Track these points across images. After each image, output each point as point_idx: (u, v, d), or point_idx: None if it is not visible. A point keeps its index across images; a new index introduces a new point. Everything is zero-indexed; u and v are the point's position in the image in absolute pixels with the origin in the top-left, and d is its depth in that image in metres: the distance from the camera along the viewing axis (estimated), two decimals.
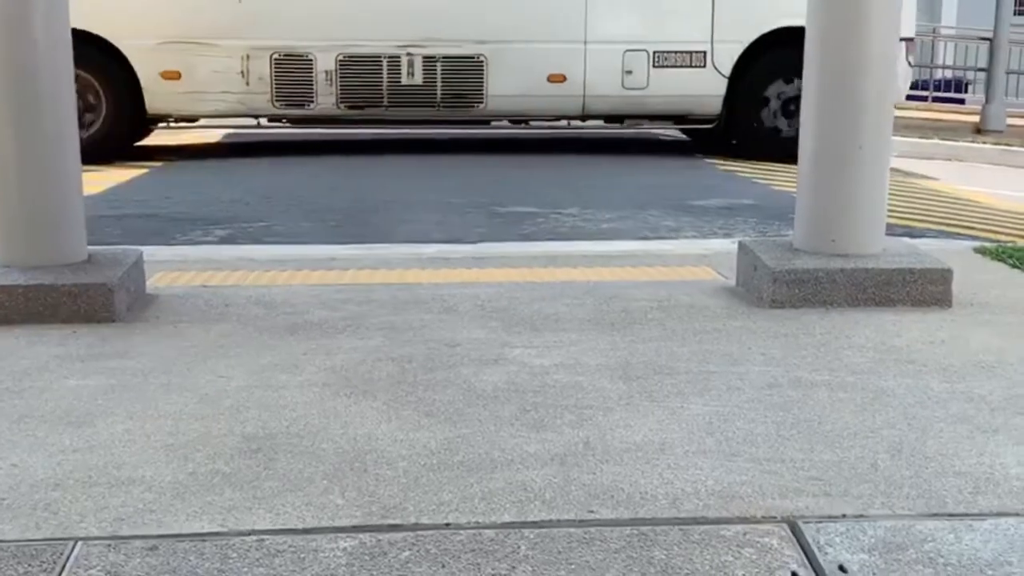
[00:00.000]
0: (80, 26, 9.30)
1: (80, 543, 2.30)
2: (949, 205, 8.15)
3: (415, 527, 2.38)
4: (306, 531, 2.36)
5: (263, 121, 10.55)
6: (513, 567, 2.22)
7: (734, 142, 10.62)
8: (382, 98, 10.04)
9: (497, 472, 2.67)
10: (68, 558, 2.24)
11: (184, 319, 4.09)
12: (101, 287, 4.02)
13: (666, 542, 2.31)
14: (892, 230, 5.58)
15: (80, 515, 2.43)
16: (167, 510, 2.45)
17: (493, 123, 11.12)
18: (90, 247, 4.36)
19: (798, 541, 2.31)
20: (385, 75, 10.04)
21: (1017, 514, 2.45)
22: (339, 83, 10.00)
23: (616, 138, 12.13)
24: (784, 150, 9.98)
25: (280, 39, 9.90)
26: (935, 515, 2.44)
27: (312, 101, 10.07)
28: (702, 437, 2.90)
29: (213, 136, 11.43)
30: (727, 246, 5.55)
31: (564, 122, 11.37)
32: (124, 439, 2.87)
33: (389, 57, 10.00)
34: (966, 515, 2.44)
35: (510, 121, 11.09)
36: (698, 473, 2.66)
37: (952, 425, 3.00)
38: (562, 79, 10.15)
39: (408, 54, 10.01)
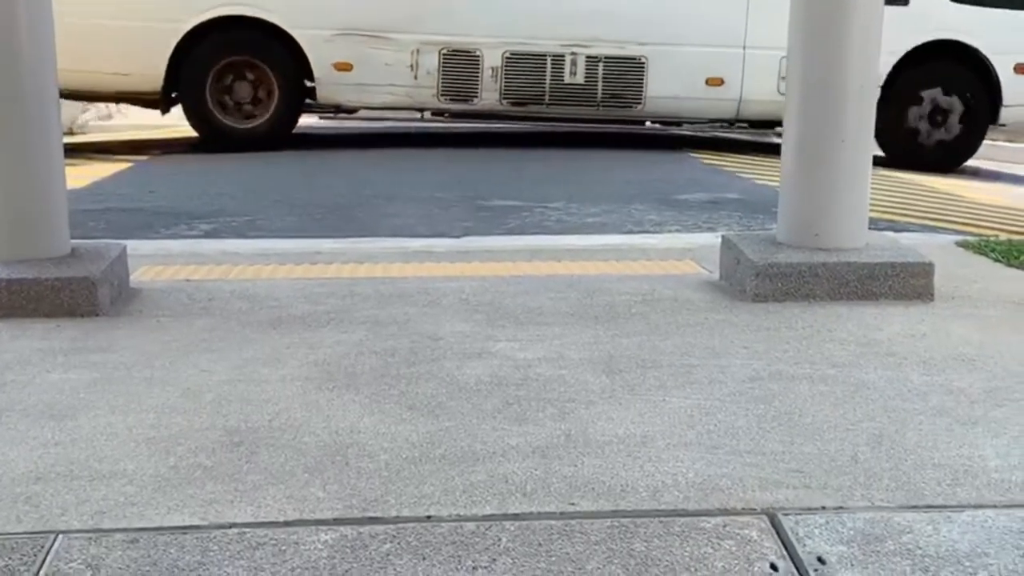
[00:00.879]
0: (256, 14, 9.51)
1: (61, 536, 2.30)
2: (933, 199, 8.18)
3: (396, 520, 2.38)
4: (287, 524, 2.36)
5: (426, 115, 10.63)
6: (494, 559, 2.23)
7: (882, 152, 10.72)
8: (544, 96, 10.14)
9: (479, 465, 2.68)
10: (48, 551, 2.24)
11: (167, 313, 4.08)
12: (84, 281, 4.01)
13: (646, 534, 2.32)
14: (876, 224, 5.61)
15: (61, 508, 2.43)
16: (148, 503, 2.45)
17: (483, 116, 11.15)
18: (73, 241, 4.35)
19: (777, 533, 2.33)
20: (549, 73, 10.19)
21: (995, 506, 2.47)
22: (504, 80, 10.16)
23: (602, 132, 12.13)
24: (929, 160, 10.12)
25: (450, 35, 10.03)
26: (914, 507, 2.45)
27: (476, 97, 10.21)
28: (683, 430, 2.91)
29: None
30: (711, 240, 5.57)
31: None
32: (106, 432, 2.87)
33: (554, 56, 10.14)
34: (944, 507, 2.45)
35: (661, 123, 11.15)
36: (679, 465, 2.67)
37: (932, 418, 3.02)
38: (720, 83, 10.31)
39: (572, 53, 10.15)
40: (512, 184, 8.21)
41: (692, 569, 2.19)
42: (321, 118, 10.67)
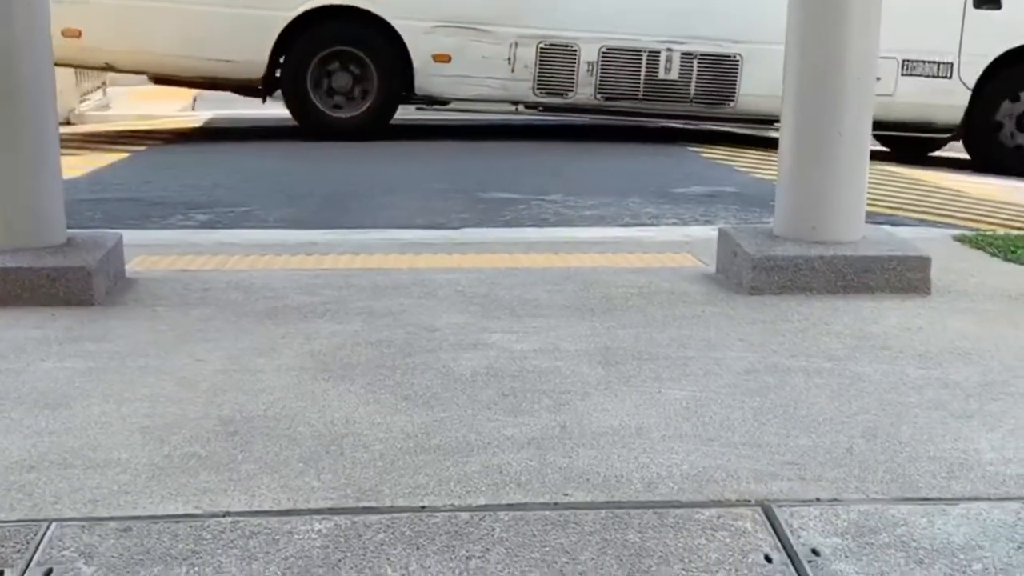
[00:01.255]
0: (360, 4, 9.60)
1: (54, 524, 2.29)
2: (932, 195, 8.17)
3: (390, 510, 2.38)
4: (281, 513, 2.36)
5: (520, 108, 10.69)
6: (487, 549, 2.22)
7: (970, 155, 10.77)
8: (638, 91, 10.16)
9: (473, 455, 2.68)
10: (42, 539, 2.24)
11: (163, 303, 4.08)
12: (80, 270, 4.00)
13: (640, 525, 2.32)
14: (873, 218, 5.60)
15: (55, 496, 2.42)
16: (142, 492, 2.45)
17: (478, 108, 11.14)
18: (69, 230, 4.34)
19: (772, 525, 2.33)
20: (644, 69, 10.20)
21: (990, 499, 2.47)
22: (599, 74, 10.18)
23: (600, 125, 12.11)
24: (1009, 163, 10.10)
25: (548, 28, 10.06)
26: (908, 499, 2.45)
27: (571, 91, 10.26)
28: (678, 422, 2.91)
29: (195, 120, 11.39)
30: (708, 233, 5.56)
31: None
32: (100, 421, 2.87)
33: (649, 51, 10.17)
34: (939, 499, 2.45)
35: (753, 121, 11.13)
36: (674, 457, 2.67)
37: (927, 411, 3.02)
38: None
39: (668, 49, 10.18)
40: (509, 176, 8.19)
41: (686, 560, 2.19)
42: (417, 109, 10.73)
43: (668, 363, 3.42)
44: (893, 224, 6.09)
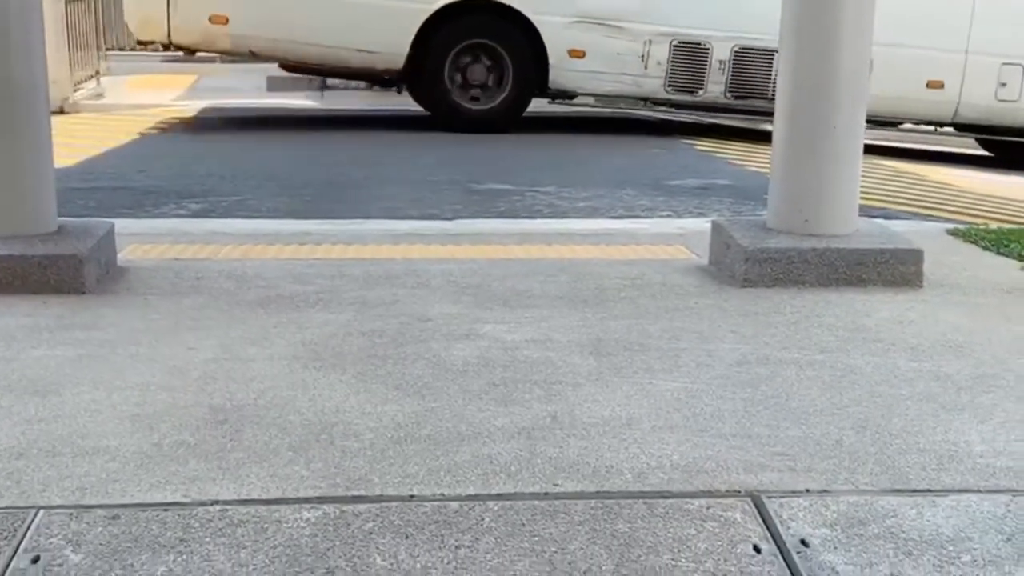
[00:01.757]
0: None
1: (42, 511, 2.29)
2: (925, 188, 8.18)
3: (379, 499, 2.38)
4: (270, 502, 2.35)
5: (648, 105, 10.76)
6: (476, 539, 2.22)
7: None
8: (767, 90, 10.17)
9: (464, 445, 2.67)
10: (29, 526, 2.23)
11: (154, 291, 4.07)
12: (71, 258, 3.99)
13: (630, 515, 2.31)
14: (867, 212, 5.60)
15: (43, 484, 2.42)
16: (131, 480, 2.44)
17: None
18: (61, 219, 4.33)
19: (761, 515, 2.32)
20: (775, 69, 10.14)
21: (979, 491, 2.47)
22: (731, 73, 10.25)
23: (594, 117, 12.10)
24: None
25: (682, 27, 10.14)
26: (898, 491, 2.45)
27: (702, 89, 10.34)
28: (669, 412, 2.91)
29: (189, 110, 11.36)
30: (701, 225, 5.55)
31: (545, 100, 11.40)
32: (90, 409, 2.86)
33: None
34: (929, 491, 2.45)
35: (875, 123, 11.12)
36: (664, 448, 2.67)
37: (918, 403, 3.02)
38: (940, 86, 10.39)
39: None
40: (504, 168, 8.18)
41: (675, 550, 2.19)
42: (550, 103, 10.83)
43: (660, 354, 3.42)
44: (886, 217, 6.09)
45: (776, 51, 9.80)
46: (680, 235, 5.37)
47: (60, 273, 3.97)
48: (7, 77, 4.01)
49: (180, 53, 15.77)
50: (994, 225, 5.94)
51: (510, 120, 10.19)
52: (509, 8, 9.83)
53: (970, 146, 11.66)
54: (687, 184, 7.71)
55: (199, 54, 15.45)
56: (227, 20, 9.66)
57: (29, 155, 4.12)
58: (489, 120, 10.12)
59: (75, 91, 11.29)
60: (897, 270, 4.37)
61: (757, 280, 4.32)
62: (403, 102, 12.31)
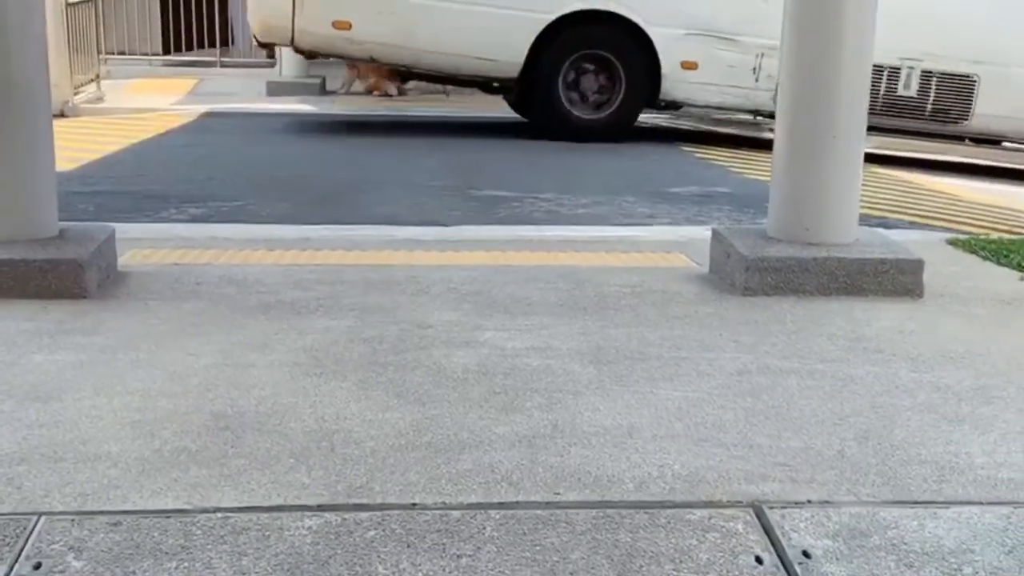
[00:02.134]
0: (617, 10, 9.84)
1: (44, 518, 2.29)
2: (925, 198, 8.19)
3: (381, 507, 2.38)
4: (271, 509, 2.35)
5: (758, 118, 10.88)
6: (478, 548, 2.22)
7: None
8: (876, 105, 10.18)
9: (465, 453, 2.67)
10: (31, 532, 2.23)
11: (155, 296, 4.06)
12: (72, 263, 3.99)
13: (632, 525, 2.31)
14: (867, 221, 5.60)
15: (45, 490, 2.41)
16: (132, 486, 2.44)
17: (471, 106, 11.17)
18: (62, 223, 4.33)
19: (763, 526, 2.33)
20: (883, 85, 10.27)
21: (981, 503, 2.47)
22: None
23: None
24: None
25: None
26: (900, 502, 2.45)
27: None
28: (671, 422, 2.91)
29: (189, 114, 11.35)
30: (701, 233, 5.55)
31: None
32: (91, 415, 2.86)
33: (890, 68, 10.28)
34: (931, 503, 2.46)
35: (974, 141, 11.14)
36: (665, 457, 2.67)
37: (919, 414, 3.02)
38: None
39: (908, 67, 10.30)
40: (503, 174, 8.19)
41: (677, 561, 2.19)
42: (658, 113, 10.92)
43: (661, 363, 3.42)
44: (886, 227, 6.09)
45: (883, 67, 10.13)
46: (680, 243, 5.37)
47: (61, 278, 3.97)
48: (8, 80, 4.01)
49: (180, 57, 15.82)
50: (994, 235, 5.95)
51: (620, 130, 10.26)
52: (625, 19, 9.94)
53: (968, 155, 11.67)
54: (687, 192, 7.71)
55: (194, 57, 15.51)
56: (350, 26, 9.80)
57: (31, 159, 4.12)
58: (599, 129, 10.20)
59: (75, 95, 11.28)
60: (897, 280, 4.37)
61: (757, 289, 4.32)
62: (401, 106, 12.32)
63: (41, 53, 4.16)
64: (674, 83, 10.17)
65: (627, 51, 10.09)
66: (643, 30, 10.00)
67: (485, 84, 10.72)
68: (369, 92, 13.28)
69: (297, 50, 10.46)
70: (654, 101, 10.40)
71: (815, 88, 4.37)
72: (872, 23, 4.42)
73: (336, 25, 9.71)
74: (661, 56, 10.06)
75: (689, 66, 10.13)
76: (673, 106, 10.71)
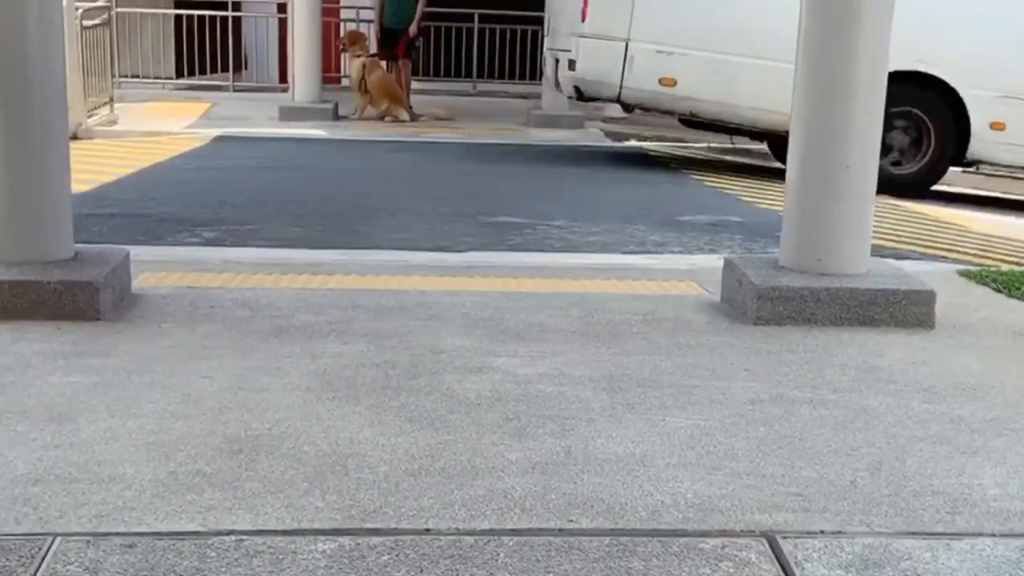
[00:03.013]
0: (932, 72, 10.11)
1: (59, 539, 2.30)
2: (935, 229, 8.19)
3: (395, 531, 2.38)
4: (286, 533, 2.36)
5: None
6: (492, 574, 2.22)
7: None
8: None
9: (478, 479, 2.68)
10: (46, 553, 2.24)
11: (168, 319, 4.08)
12: (87, 285, 4.01)
13: (645, 553, 2.32)
14: (878, 252, 5.60)
15: (59, 511, 2.42)
16: (147, 508, 2.45)
17: (483, 132, 11.20)
18: (77, 245, 4.36)
19: (776, 556, 2.33)
20: None
21: (994, 535, 2.47)
22: None
23: (605, 151, 12.16)
24: None
25: None
26: (913, 534, 2.45)
27: None
28: (683, 450, 2.91)
29: (201, 138, 11.42)
30: (712, 262, 5.56)
31: (553, 134, 11.37)
32: (106, 437, 2.87)
33: None
34: (943, 534, 2.45)
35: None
36: (678, 486, 2.67)
37: (932, 445, 3.02)
38: None
39: None
40: (514, 200, 8.21)
41: None
42: (963, 172, 11.11)
43: (673, 391, 3.43)
44: (897, 258, 6.09)
45: None
46: (691, 271, 5.38)
47: (76, 300, 3.99)
48: (26, 101, 4.05)
49: (193, 81, 15.91)
50: (1004, 267, 5.95)
51: (927, 185, 10.43)
52: (937, 80, 10.16)
53: (978, 186, 11.69)
54: (698, 220, 7.73)
55: (207, 81, 15.58)
56: (675, 83, 10.19)
57: (47, 181, 4.15)
58: (906, 184, 10.30)
59: (89, 117, 11.35)
60: (909, 311, 4.38)
61: (769, 318, 4.33)
62: (412, 132, 12.37)
63: (60, 74, 4.20)
64: (982, 143, 10.35)
65: (938, 111, 10.30)
66: (956, 92, 10.25)
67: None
68: (382, 118, 13.29)
69: (621, 104, 10.96)
70: (959, 159, 10.57)
71: (828, 118, 4.39)
72: (885, 53, 4.45)
73: (663, 82, 10.15)
74: (972, 117, 10.27)
75: (998, 127, 10.31)
76: (978, 164, 10.87)
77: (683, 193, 9.32)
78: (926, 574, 2.27)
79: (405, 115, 13.42)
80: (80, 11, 11.27)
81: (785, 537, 2.40)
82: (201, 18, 15.84)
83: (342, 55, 15.50)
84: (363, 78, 13.38)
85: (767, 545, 2.37)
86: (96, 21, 12.05)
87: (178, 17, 16.08)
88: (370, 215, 7.38)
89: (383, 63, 13.78)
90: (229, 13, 16.15)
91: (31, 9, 4.06)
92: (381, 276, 5.01)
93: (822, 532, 2.44)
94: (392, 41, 13.81)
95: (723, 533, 2.42)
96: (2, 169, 4.08)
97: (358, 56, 13.58)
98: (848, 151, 4.38)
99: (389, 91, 13.51)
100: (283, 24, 15.98)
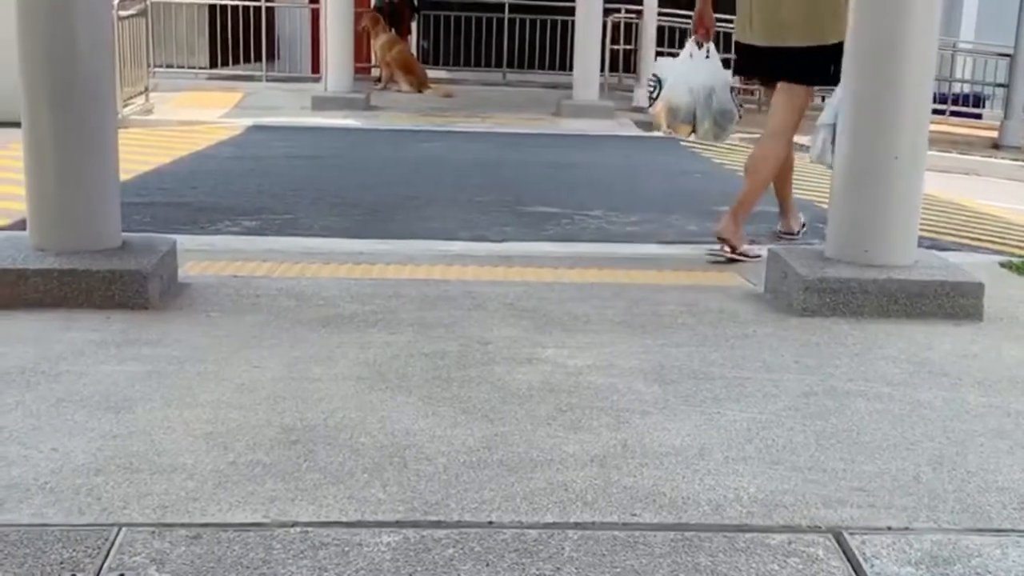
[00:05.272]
0: None
1: (124, 529, 2.30)
2: (971, 219, 8.12)
3: (458, 524, 2.38)
4: (349, 524, 2.36)
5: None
6: (558, 568, 2.21)
7: None
8: None
9: (537, 472, 2.67)
10: (113, 544, 2.24)
11: (216, 308, 4.09)
12: (135, 274, 4.02)
13: (711, 548, 2.30)
14: (918, 242, 5.55)
15: (123, 501, 2.43)
16: (210, 499, 2.45)
17: (515, 121, 11.12)
18: (123, 234, 4.37)
19: (844, 552, 2.31)
20: None
21: None
22: None
23: (637, 141, 12.10)
24: None
25: None
26: (981, 530, 2.43)
27: None
28: (741, 444, 2.89)
29: (237, 127, 11.43)
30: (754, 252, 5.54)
31: (585, 124, 11.28)
32: (163, 426, 2.88)
33: None
34: (1012, 531, 2.43)
35: None
36: (739, 480, 2.65)
37: (992, 440, 2.99)
38: None
39: None
40: (550, 190, 8.18)
41: None
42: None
43: (725, 383, 3.41)
44: (937, 249, 6.04)
45: None
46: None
47: (124, 288, 4.01)
48: (74, 88, 4.06)
49: (227, 71, 15.93)
50: None
51: None
52: None
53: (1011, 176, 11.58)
54: None
55: (240, 71, 15.62)
56: None
57: (96, 169, 4.16)
58: None
59: (125, 107, 11.38)
60: (958, 303, 4.33)
61: (815, 310, 4.29)
62: (443, 122, 12.35)
63: (108, 61, 4.22)
64: None
65: None
66: None
67: None
68: (386, 85, 15.08)
69: None
70: None
71: (878, 108, 4.35)
72: (934, 43, 4.40)
73: None
74: None
75: None
76: None
77: (719, 183, 9.26)
78: (997, 571, 2.24)
79: (407, 87, 15.01)
80: (117, 1, 11.29)
81: (852, 533, 2.38)
82: (235, 8, 15.85)
83: (372, 43, 15.66)
84: (384, 54, 15.14)
85: (834, 541, 2.35)
86: (132, 11, 12.08)
87: (212, 7, 16.08)
88: (407, 204, 7.37)
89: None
90: (263, 3, 16.16)
91: (79, 5, 4.06)
92: (422, 265, 5.01)
93: (889, 528, 2.42)
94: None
95: (788, 528, 2.40)
96: (52, 158, 4.09)
97: (380, 35, 15.17)
98: (897, 140, 4.34)
99: (406, 63, 15.30)
100: (315, 14, 15.98)
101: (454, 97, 14.72)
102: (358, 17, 14.70)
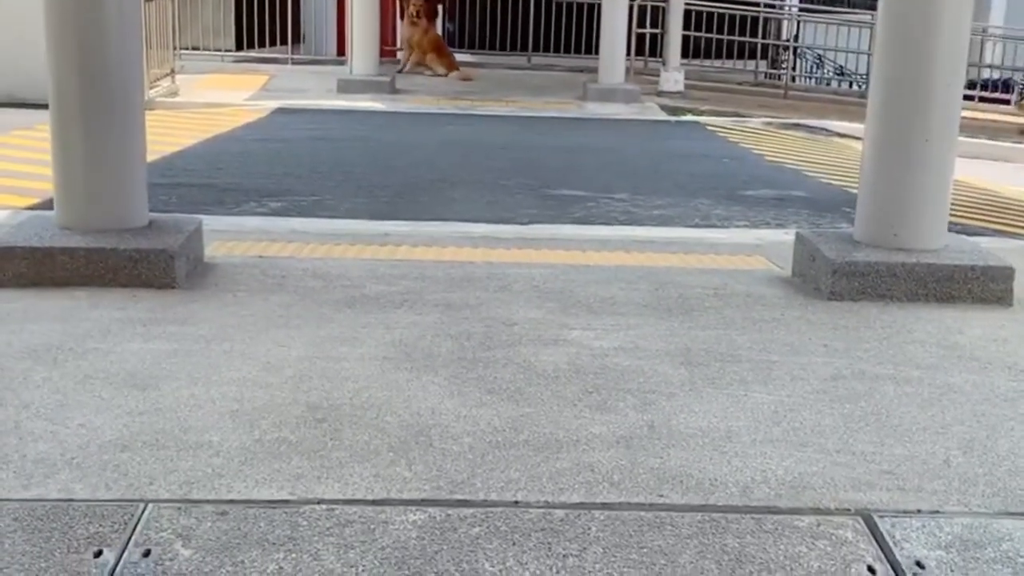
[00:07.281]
0: None
1: (151, 505, 2.31)
2: (999, 203, 8.04)
3: (484, 503, 2.37)
4: (375, 503, 2.35)
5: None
6: (584, 548, 2.20)
7: None
8: None
9: (563, 452, 2.66)
10: (139, 519, 2.25)
11: (242, 288, 4.09)
12: (162, 253, 4.03)
13: (739, 530, 2.28)
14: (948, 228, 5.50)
15: (150, 477, 2.43)
16: (236, 475, 2.45)
17: (540, 105, 11.05)
18: (150, 214, 4.37)
19: (873, 535, 2.28)
20: None
21: None
22: None
23: (662, 125, 12.05)
24: None
25: None
26: (1012, 514, 2.40)
27: None
28: (769, 426, 2.87)
29: (262, 109, 11.44)
30: (780, 236, 5.51)
31: (610, 108, 11.18)
32: (189, 403, 2.88)
33: None
34: None
35: None
36: (767, 462, 2.63)
37: (1022, 424, 2.95)
38: None
39: None
40: (575, 173, 8.16)
41: (787, 568, 2.15)
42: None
43: (751, 366, 3.38)
44: (966, 233, 5.98)
45: None
46: (759, 245, 5.32)
47: (151, 267, 4.01)
48: (104, 70, 4.06)
49: (252, 53, 15.94)
50: None
51: None
52: None
53: None
54: (761, 195, 7.64)
55: (266, 54, 15.64)
56: None
57: (123, 149, 4.17)
58: None
59: (151, 88, 11.40)
60: (987, 287, 4.29)
61: (844, 293, 4.26)
62: (468, 106, 12.33)
63: (137, 43, 4.22)
64: None
65: None
66: None
67: None
68: (418, 63, 15.37)
69: None
70: None
71: (909, 91, 4.30)
72: (968, 25, 4.34)
73: None
74: None
75: None
76: None
77: (744, 167, 9.22)
78: None
79: (442, 70, 15.26)
80: None
81: (882, 516, 2.36)
82: None
83: (399, 24, 15.76)
84: (420, 38, 15.42)
85: (863, 524, 2.33)
86: None
87: None
88: (432, 186, 7.36)
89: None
90: None
91: None
92: (448, 247, 4.99)
93: (919, 511, 2.39)
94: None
95: (817, 511, 2.38)
96: (79, 139, 4.10)
97: (422, 22, 15.49)
98: (928, 123, 4.29)
99: (439, 46, 15.67)
100: None
101: (474, 80, 14.81)
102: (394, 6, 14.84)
